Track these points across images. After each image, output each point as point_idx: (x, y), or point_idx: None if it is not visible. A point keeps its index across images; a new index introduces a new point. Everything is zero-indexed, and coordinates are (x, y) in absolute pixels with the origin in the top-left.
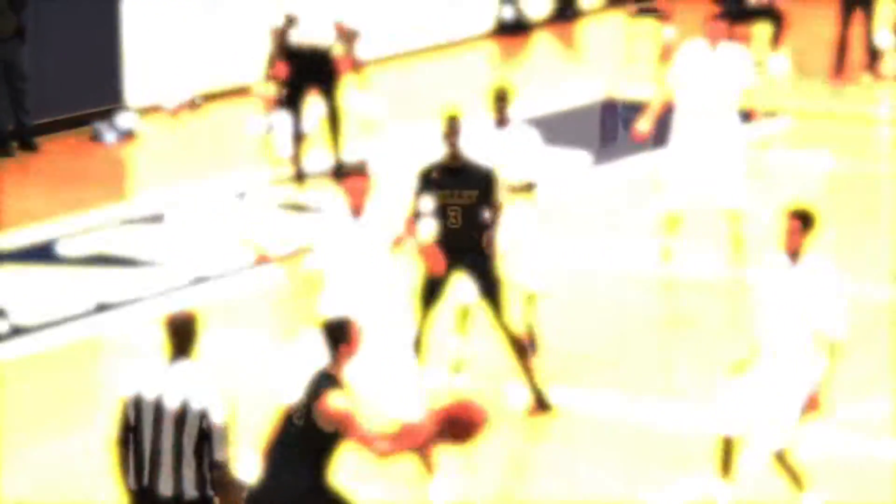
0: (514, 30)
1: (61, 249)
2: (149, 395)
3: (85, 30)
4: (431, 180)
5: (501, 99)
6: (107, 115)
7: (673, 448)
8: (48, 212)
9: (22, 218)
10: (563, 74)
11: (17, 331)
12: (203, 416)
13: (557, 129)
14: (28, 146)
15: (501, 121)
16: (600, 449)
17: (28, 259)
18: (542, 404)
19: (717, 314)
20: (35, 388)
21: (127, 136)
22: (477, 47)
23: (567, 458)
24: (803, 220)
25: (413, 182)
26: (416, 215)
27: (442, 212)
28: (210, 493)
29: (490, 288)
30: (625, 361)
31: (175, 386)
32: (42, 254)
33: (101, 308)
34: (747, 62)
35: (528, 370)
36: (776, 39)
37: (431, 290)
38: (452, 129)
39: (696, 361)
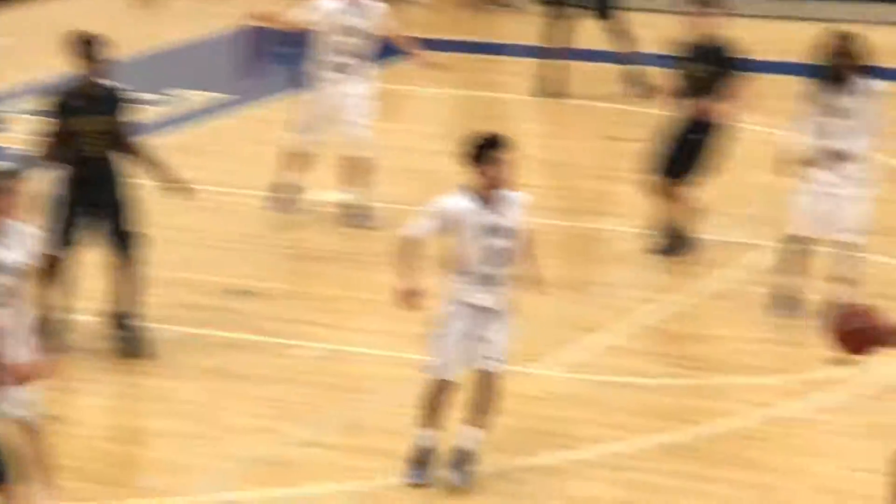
0: None
1: None
2: None
3: None
4: (67, 106)
5: (87, 46)
6: None
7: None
8: None
9: None
10: (202, 10)
11: None
12: None
13: (197, 63)
14: None
15: (95, 73)
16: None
17: None
18: (131, 346)
19: (357, 248)
20: None
21: None
22: None
23: (258, 399)
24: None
25: (48, 107)
26: (52, 142)
27: (78, 139)
28: None
29: (120, 224)
30: (272, 294)
31: None
32: None
33: None
34: (380, 14)
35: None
36: None
37: (67, 231)
38: (87, 51)
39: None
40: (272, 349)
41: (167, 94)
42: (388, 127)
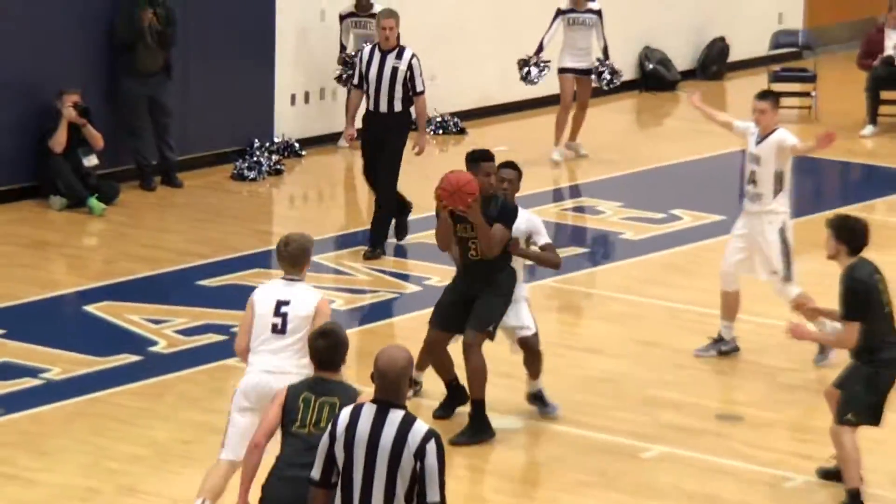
0: None
1: (201, 285)
2: (362, 432)
3: (235, 68)
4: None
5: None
6: (251, 152)
7: None
8: (189, 248)
9: (163, 253)
10: (692, 129)
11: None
12: (418, 456)
13: (691, 182)
14: (172, 182)
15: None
16: None
17: (169, 294)
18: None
19: None
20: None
21: (272, 173)
22: None
23: None
24: None
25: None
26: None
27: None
28: None
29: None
30: None
31: (390, 423)
32: (182, 289)
33: None
34: None
35: None
36: None
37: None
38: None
39: None
40: (758, 477)
41: (665, 213)
42: None
